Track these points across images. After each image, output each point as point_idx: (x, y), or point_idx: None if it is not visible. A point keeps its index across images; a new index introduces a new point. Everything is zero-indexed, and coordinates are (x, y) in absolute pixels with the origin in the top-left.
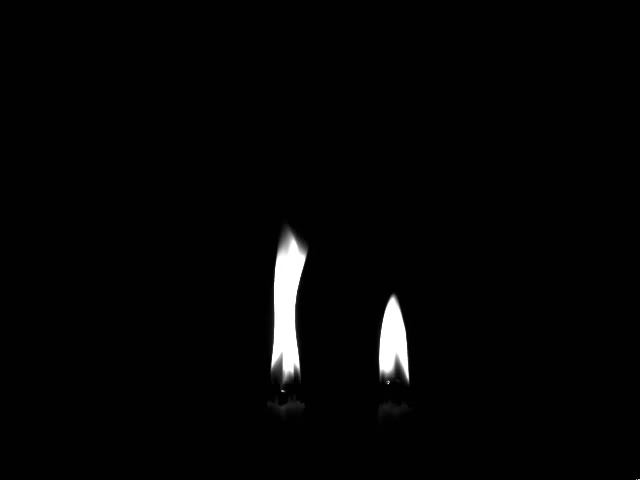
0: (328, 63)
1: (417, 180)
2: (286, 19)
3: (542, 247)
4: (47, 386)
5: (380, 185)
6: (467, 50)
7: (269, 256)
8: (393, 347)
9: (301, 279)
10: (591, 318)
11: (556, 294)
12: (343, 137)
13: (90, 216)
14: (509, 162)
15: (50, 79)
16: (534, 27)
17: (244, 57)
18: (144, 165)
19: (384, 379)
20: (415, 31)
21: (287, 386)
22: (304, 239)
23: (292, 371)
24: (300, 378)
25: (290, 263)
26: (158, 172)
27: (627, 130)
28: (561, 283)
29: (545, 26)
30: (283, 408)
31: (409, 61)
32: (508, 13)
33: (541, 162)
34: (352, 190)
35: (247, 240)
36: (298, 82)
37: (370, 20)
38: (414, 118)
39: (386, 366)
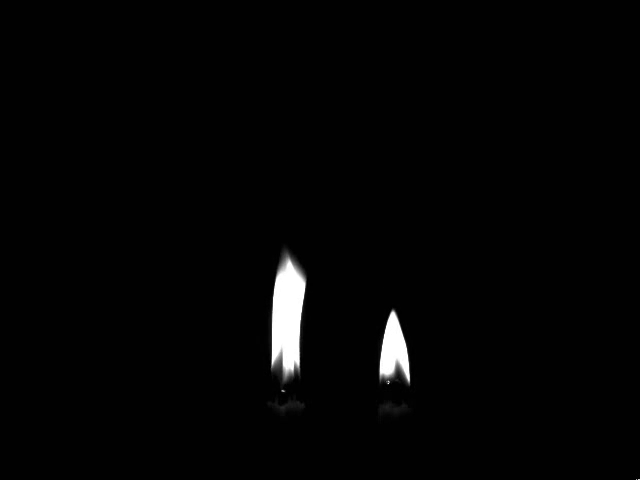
0: (326, 70)
1: (416, 181)
2: (286, 21)
3: (541, 248)
4: (47, 386)
5: (379, 186)
6: (467, 50)
7: (270, 257)
8: (393, 347)
9: (301, 279)
10: (591, 319)
11: (555, 294)
12: (339, 152)
13: (93, 225)
14: (503, 173)
15: (50, 80)
16: (534, 27)
17: (245, 63)
18: (146, 176)
19: (384, 379)
20: (415, 31)
21: (287, 386)
22: (302, 264)
23: (292, 371)
24: (300, 378)
25: (292, 265)
26: (159, 180)
27: (627, 130)
28: (560, 283)
29: (545, 26)
30: (283, 408)
31: (408, 65)
32: (508, 13)
33: (537, 169)
34: (349, 198)
35: (248, 241)
36: (294, 93)
37: (370, 20)
38: (408, 131)
39: (386, 366)
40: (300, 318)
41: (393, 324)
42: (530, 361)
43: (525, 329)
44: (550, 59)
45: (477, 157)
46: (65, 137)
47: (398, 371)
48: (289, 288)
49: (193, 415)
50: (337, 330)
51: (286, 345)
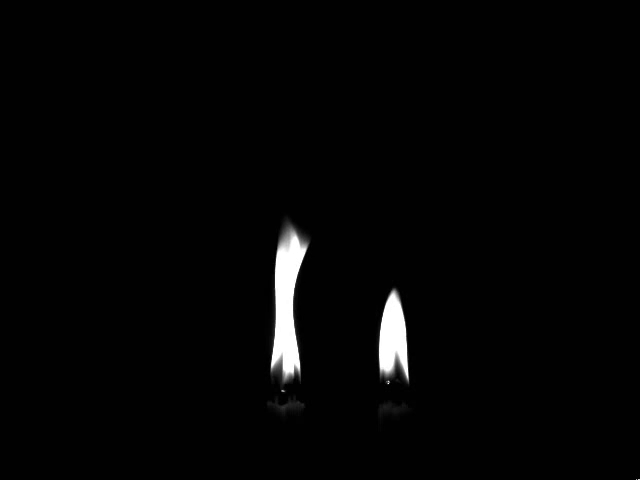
0: (327, 58)
1: (416, 175)
2: (285, 18)
3: (541, 246)
4: (47, 386)
5: (380, 181)
6: (467, 50)
7: (269, 256)
8: (393, 347)
9: (300, 278)
10: (591, 317)
11: (556, 293)
12: (343, 130)
13: (87, 212)
14: (508, 156)
15: (50, 79)
16: (534, 27)
17: (242, 53)
18: (142, 160)
19: (384, 379)
20: (415, 30)
21: (287, 386)
22: (304, 234)
23: (292, 371)
24: (300, 378)
25: (290, 262)
26: (156, 168)
27: (627, 130)
28: (561, 282)
29: (545, 26)
30: (283, 408)
31: (409, 57)
32: (508, 13)
33: (542, 155)
34: (351, 186)
35: (247, 240)
36: (296, 76)
37: (370, 19)
38: (413, 110)
39: (386, 366)
40: (300, 319)
41: (393, 324)
42: (530, 360)
43: (524, 328)
44: (550, 59)
45: (480, 136)
46: (64, 138)
47: (398, 371)
48: (289, 289)
49: (194, 415)
50: (337, 330)
51: (286, 346)
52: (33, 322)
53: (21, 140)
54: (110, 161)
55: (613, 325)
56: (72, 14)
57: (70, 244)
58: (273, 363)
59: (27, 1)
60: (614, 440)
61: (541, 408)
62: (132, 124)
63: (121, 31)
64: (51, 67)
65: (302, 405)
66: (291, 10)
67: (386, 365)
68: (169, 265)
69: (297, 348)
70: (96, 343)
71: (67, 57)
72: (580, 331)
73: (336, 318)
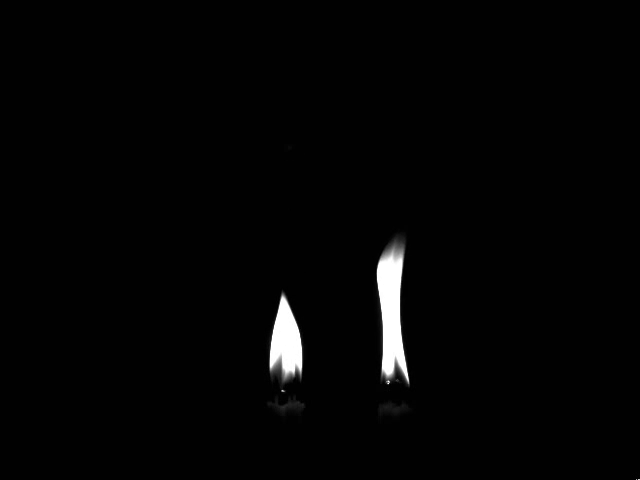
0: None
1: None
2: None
3: (541, 248)
4: (47, 386)
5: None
6: (467, 49)
7: (270, 255)
8: (393, 348)
9: (299, 277)
10: (592, 317)
11: (555, 294)
12: (348, 76)
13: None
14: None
15: (50, 79)
16: (534, 27)
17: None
18: (139, 153)
19: (384, 379)
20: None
21: (287, 386)
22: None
23: (292, 371)
24: (300, 378)
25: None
26: (153, 169)
27: (627, 130)
28: (561, 281)
29: (545, 26)
30: (283, 408)
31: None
32: (508, 13)
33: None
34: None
35: (248, 240)
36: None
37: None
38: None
39: (386, 366)
40: (300, 319)
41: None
42: (530, 360)
43: (524, 328)
44: (550, 59)
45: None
46: (64, 137)
47: (398, 371)
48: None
49: (194, 415)
50: (337, 331)
51: (286, 345)
52: (36, 323)
53: (21, 141)
54: (105, 141)
55: (613, 324)
56: (72, 14)
57: (69, 239)
58: (273, 363)
59: (27, 1)
60: (614, 440)
61: (541, 408)
62: (123, 100)
63: (121, 32)
64: (50, 67)
65: (302, 405)
66: None
67: (386, 365)
68: (169, 265)
69: (297, 348)
70: (98, 344)
71: (66, 57)
72: (580, 330)
73: (337, 318)
